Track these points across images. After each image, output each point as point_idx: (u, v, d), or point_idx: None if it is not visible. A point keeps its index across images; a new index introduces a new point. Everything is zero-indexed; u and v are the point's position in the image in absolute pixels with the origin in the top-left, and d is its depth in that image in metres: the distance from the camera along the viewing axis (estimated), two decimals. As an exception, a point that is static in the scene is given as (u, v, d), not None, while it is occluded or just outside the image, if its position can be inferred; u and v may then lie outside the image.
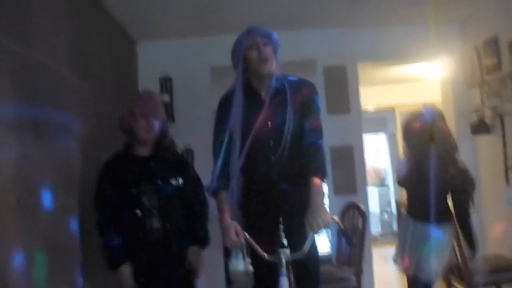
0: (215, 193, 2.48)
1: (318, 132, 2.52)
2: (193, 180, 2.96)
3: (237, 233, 2.34)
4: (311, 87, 2.60)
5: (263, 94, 2.52)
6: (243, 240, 2.35)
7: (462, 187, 3.32)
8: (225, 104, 2.54)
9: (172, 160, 2.94)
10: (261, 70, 2.47)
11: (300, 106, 2.51)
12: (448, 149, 3.34)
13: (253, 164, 2.48)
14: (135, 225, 2.75)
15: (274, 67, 2.48)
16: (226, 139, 2.46)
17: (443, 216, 3.28)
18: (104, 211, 2.79)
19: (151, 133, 2.79)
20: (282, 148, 2.48)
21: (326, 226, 2.32)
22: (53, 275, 2.48)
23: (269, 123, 2.49)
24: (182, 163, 3.03)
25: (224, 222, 2.41)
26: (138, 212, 2.75)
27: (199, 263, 2.97)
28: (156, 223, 2.77)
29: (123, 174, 2.80)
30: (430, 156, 3.20)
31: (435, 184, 3.18)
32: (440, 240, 3.28)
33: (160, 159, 2.88)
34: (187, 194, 2.92)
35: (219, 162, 2.48)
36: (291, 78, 2.58)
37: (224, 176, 2.47)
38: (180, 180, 2.88)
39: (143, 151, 2.85)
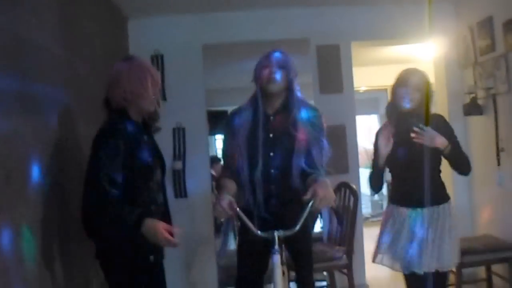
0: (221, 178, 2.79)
1: (322, 165, 2.75)
2: None
3: (230, 204, 2.43)
4: (320, 117, 2.84)
5: (268, 111, 2.79)
6: (235, 212, 2.46)
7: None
8: (235, 118, 2.86)
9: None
10: (268, 88, 2.73)
11: (305, 132, 2.75)
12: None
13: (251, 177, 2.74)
14: (147, 197, 2.58)
15: (281, 88, 2.75)
16: (235, 149, 2.78)
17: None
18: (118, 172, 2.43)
19: (154, 106, 2.64)
20: (281, 161, 2.73)
21: (330, 200, 2.50)
22: (43, 250, 2.47)
23: (271, 135, 2.76)
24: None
25: (221, 194, 2.59)
26: (151, 184, 2.61)
27: None
28: (161, 198, 2.70)
29: (136, 143, 2.54)
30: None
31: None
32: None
33: (151, 130, 2.75)
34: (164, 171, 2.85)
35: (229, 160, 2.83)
36: (303, 104, 2.83)
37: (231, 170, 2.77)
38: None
39: (138, 120, 2.65)
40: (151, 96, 2.59)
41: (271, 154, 2.75)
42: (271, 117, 2.79)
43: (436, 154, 2.87)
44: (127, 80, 2.54)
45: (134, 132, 2.53)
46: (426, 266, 2.86)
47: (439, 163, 2.97)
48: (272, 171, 2.75)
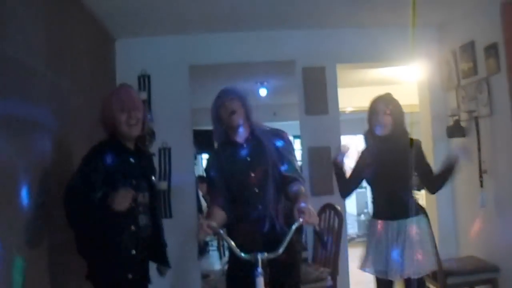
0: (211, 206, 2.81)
1: (298, 175, 2.81)
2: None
3: (209, 226, 2.45)
4: (284, 134, 2.92)
5: (239, 141, 2.84)
6: (215, 230, 2.50)
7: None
8: (214, 158, 2.91)
9: (149, 156, 2.94)
10: (230, 122, 2.78)
11: (275, 149, 2.82)
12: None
13: (239, 196, 2.79)
14: (128, 218, 2.62)
15: (242, 118, 2.80)
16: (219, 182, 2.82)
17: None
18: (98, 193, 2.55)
19: (133, 127, 2.68)
20: (263, 179, 2.78)
21: (314, 219, 2.49)
22: (30, 272, 2.44)
23: (249, 159, 2.81)
24: (151, 160, 3.03)
25: (200, 220, 2.67)
26: (133, 206, 2.62)
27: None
28: (145, 220, 2.73)
29: (118, 163, 2.63)
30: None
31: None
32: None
33: (144, 154, 2.86)
34: (155, 195, 2.95)
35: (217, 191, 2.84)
36: (264, 128, 2.92)
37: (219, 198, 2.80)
38: (154, 178, 2.92)
39: (128, 144, 2.75)
40: (124, 122, 2.65)
41: (252, 175, 2.79)
42: (244, 144, 2.84)
43: (409, 174, 3.15)
44: (102, 109, 2.71)
45: (116, 155, 2.64)
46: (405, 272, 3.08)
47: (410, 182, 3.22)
48: (256, 189, 2.78)
